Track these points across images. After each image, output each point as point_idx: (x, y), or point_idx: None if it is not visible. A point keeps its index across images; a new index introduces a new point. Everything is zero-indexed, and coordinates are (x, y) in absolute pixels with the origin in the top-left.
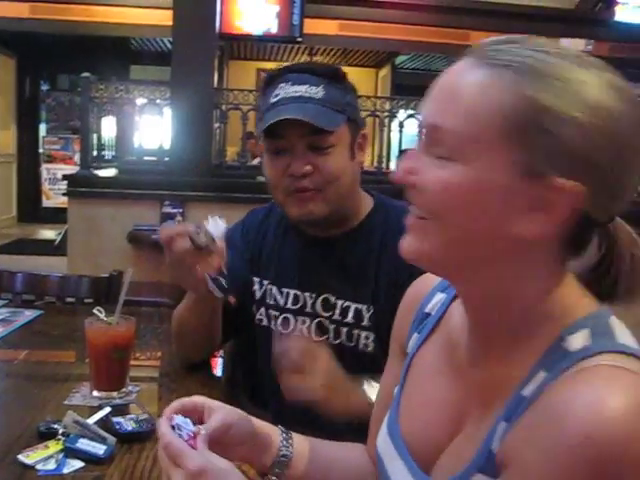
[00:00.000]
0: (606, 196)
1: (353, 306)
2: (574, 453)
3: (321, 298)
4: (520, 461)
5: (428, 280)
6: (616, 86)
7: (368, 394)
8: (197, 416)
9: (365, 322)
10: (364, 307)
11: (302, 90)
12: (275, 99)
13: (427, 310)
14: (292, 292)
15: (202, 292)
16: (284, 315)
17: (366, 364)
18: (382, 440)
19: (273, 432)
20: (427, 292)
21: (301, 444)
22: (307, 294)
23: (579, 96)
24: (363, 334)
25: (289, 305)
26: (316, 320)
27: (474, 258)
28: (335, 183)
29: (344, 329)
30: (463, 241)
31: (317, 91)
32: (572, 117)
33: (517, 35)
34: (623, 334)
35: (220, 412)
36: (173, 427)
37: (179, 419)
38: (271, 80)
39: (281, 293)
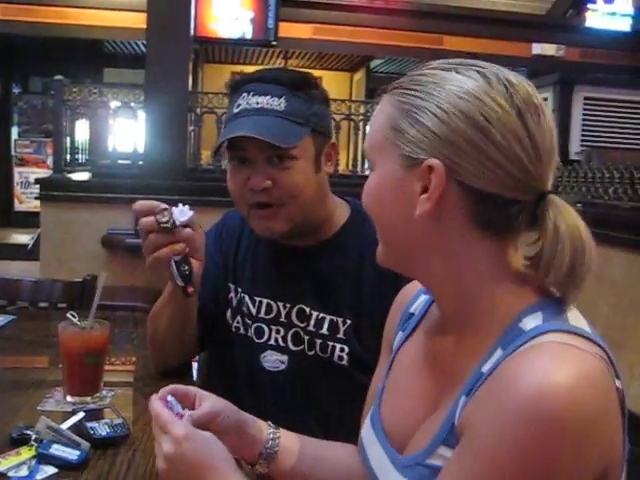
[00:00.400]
0: (477, 168)
1: (328, 318)
2: (520, 414)
3: (296, 308)
4: (472, 426)
5: (415, 284)
6: (475, 81)
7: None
8: (189, 404)
9: (340, 334)
10: (340, 320)
11: (263, 102)
12: (237, 110)
13: (411, 310)
14: (265, 301)
15: (166, 276)
16: (257, 324)
17: (340, 377)
18: (365, 430)
19: (262, 426)
20: (413, 294)
21: (290, 440)
22: (281, 304)
23: (437, 92)
24: (338, 346)
25: (262, 314)
26: (292, 330)
27: (407, 247)
28: (297, 198)
29: (318, 340)
30: (389, 234)
31: (279, 102)
32: (432, 109)
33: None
34: (576, 318)
35: (210, 400)
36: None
37: (170, 399)
38: (234, 88)
39: (253, 302)
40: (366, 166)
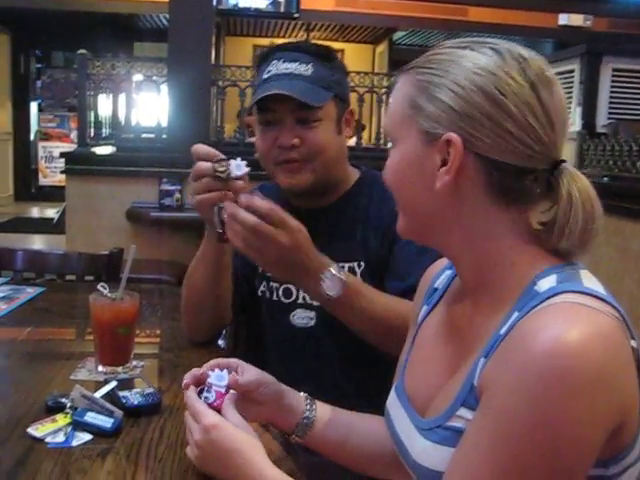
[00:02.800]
0: (493, 140)
1: (346, 265)
2: (535, 368)
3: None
4: (492, 384)
5: (441, 261)
6: (489, 57)
7: (327, 286)
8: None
9: (358, 277)
10: (355, 264)
11: (292, 67)
12: (267, 75)
13: (436, 285)
14: None
15: (207, 219)
16: (285, 286)
17: None
18: (391, 397)
19: (298, 397)
20: (438, 270)
21: (325, 411)
22: None
23: (453, 69)
24: None
25: None
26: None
27: (428, 219)
28: (321, 155)
29: None
30: (411, 207)
31: (306, 69)
32: (448, 85)
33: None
34: (590, 281)
35: (252, 371)
36: (203, 389)
37: (213, 377)
38: (264, 57)
39: None
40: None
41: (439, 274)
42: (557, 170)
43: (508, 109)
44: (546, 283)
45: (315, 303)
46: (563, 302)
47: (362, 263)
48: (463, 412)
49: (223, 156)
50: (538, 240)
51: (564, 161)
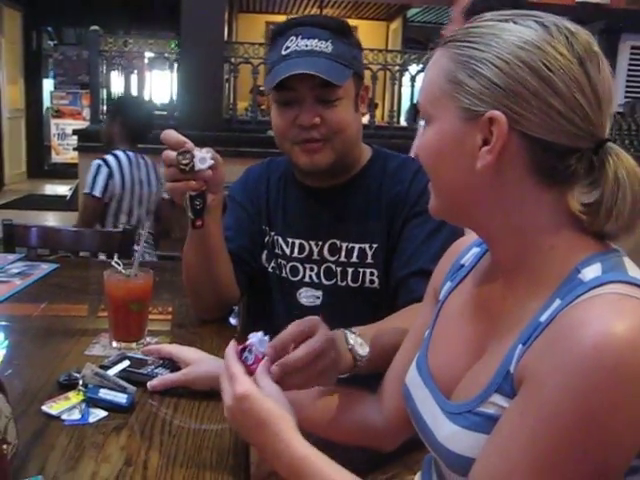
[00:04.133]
0: (539, 118)
1: (357, 246)
2: (583, 362)
3: (328, 244)
4: (535, 374)
5: (468, 237)
6: (535, 30)
7: (356, 349)
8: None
9: (369, 259)
10: (367, 246)
11: (312, 44)
12: (286, 52)
13: (462, 262)
14: (297, 242)
15: (181, 205)
16: (292, 264)
17: (371, 300)
18: (411, 375)
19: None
20: (465, 247)
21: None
22: (312, 242)
23: (496, 42)
24: (368, 271)
25: (295, 254)
26: (324, 265)
27: (465, 199)
28: (342, 134)
29: (350, 269)
30: (448, 187)
31: (327, 45)
32: (491, 59)
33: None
34: (634, 270)
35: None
36: (244, 348)
37: (256, 339)
38: (281, 32)
39: (287, 243)
40: (402, 118)
41: (466, 251)
42: (602, 149)
43: (556, 86)
44: (591, 272)
45: (324, 282)
46: (610, 293)
47: (374, 245)
48: (497, 399)
49: (190, 146)
50: (578, 223)
51: (609, 140)
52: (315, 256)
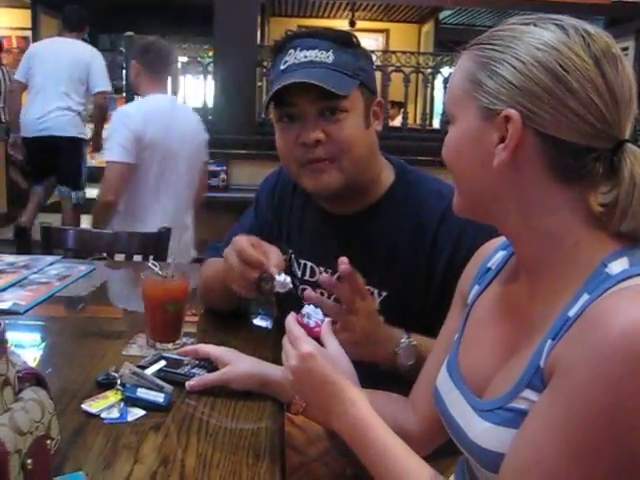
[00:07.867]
0: (554, 116)
1: (375, 291)
2: (612, 350)
3: (337, 275)
4: (565, 365)
5: (494, 241)
6: (553, 32)
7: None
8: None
9: (376, 306)
10: (375, 291)
11: (312, 55)
12: (284, 66)
13: (489, 265)
14: (309, 264)
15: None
16: (302, 286)
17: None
18: (441, 377)
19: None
20: (491, 250)
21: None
22: (322, 268)
23: (515, 44)
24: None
25: (306, 277)
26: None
27: (486, 197)
28: (349, 152)
29: None
30: (469, 185)
31: (327, 55)
32: (509, 60)
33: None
34: None
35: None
36: (303, 315)
37: (310, 309)
38: (279, 48)
39: (299, 264)
40: (435, 120)
41: (492, 254)
42: (620, 150)
43: (570, 85)
44: (618, 266)
45: None
46: (639, 285)
47: (383, 292)
48: (528, 394)
49: (272, 270)
50: (599, 222)
51: (628, 141)
52: None
